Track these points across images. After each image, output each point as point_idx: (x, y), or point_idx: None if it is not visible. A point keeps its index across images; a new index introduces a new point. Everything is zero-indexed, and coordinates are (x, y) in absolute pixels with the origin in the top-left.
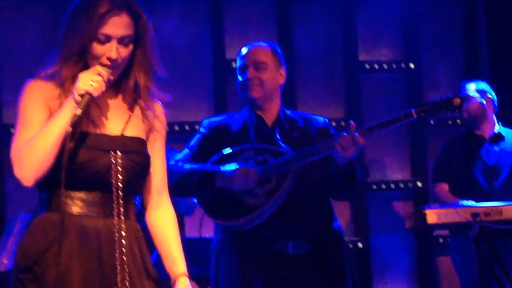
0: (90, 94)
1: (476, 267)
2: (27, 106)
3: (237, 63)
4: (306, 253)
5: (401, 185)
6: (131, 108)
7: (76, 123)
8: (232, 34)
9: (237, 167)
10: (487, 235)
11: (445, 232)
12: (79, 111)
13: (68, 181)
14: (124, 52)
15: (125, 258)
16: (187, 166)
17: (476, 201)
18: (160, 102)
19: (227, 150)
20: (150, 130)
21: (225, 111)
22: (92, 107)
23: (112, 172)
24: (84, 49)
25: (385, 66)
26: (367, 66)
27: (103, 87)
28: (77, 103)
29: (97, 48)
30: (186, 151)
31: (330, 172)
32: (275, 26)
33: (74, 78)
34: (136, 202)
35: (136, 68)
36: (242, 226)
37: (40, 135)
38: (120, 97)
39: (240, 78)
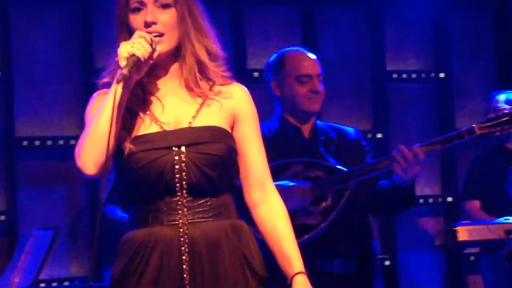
0: (135, 56)
1: (509, 287)
2: (90, 116)
3: (291, 68)
4: (351, 272)
5: (431, 200)
6: (201, 96)
7: (135, 125)
8: (254, 43)
9: (292, 184)
10: None
11: (477, 249)
12: (126, 71)
13: (141, 193)
14: (165, 16)
15: (190, 267)
16: None
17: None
18: (240, 84)
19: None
20: (232, 116)
21: None
22: (153, 104)
23: (176, 171)
24: (128, 32)
25: (414, 75)
26: (395, 75)
27: (148, 48)
28: (125, 72)
29: (134, 19)
30: None
31: (384, 191)
32: (300, 32)
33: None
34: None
35: (189, 46)
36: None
37: (95, 117)
38: (184, 84)
39: (300, 87)
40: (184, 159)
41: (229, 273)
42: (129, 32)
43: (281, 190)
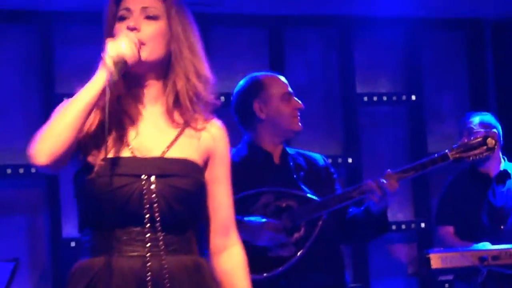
0: (125, 58)
1: None
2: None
3: (274, 88)
4: None
5: (403, 226)
6: (179, 126)
7: (108, 147)
8: (220, 65)
9: (263, 221)
10: (496, 281)
11: (451, 277)
12: (115, 74)
13: (101, 218)
14: (149, 27)
15: None
16: None
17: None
18: (219, 121)
19: (243, 193)
20: (207, 153)
21: None
22: (128, 126)
23: (145, 201)
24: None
25: (384, 98)
26: (365, 98)
27: (135, 51)
28: (110, 70)
29: (118, 27)
30: None
31: (356, 218)
32: (267, 55)
33: None
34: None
35: (179, 65)
36: (268, 279)
37: (64, 108)
38: (164, 109)
39: (285, 105)
40: (154, 190)
41: None
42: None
43: (253, 227)
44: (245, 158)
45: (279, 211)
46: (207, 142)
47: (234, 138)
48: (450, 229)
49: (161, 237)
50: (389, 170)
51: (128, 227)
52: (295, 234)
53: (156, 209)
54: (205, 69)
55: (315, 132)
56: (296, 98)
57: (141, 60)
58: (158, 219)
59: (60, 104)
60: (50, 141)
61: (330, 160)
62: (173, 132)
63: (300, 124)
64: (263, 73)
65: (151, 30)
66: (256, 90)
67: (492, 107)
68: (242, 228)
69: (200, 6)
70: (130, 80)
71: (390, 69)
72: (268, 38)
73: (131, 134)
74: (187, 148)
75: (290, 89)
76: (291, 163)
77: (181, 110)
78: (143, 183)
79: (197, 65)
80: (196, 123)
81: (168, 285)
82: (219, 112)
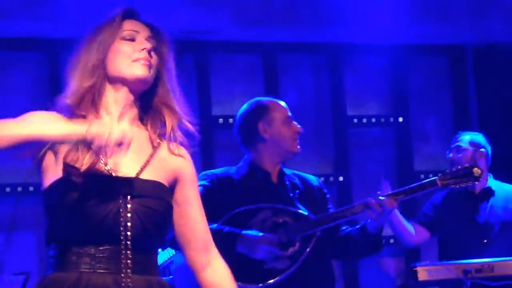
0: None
1: None
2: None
3: (277, 112)
4: None
5: (392, 241)
6: (154, 149)
7: (85, 163)
8: (218, 89)
9: (260, 235)
10: None
11: None
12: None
13: (74, 234)
14: (154, 55)
15: None
16: None
17: (468, 258)
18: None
19: (242, 208)
20: (175, 177)
21: (212, 165)
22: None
23: (121, 219)
24: (103, 56)
25: (373, 120)
26: (355, 120)
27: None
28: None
29: (124, 46)
30: None
31: (352, 236)
32: (262, 79)
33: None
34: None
35: (160, 101)
36: None
37: (25, 125)
38: (143, 134)
39: (288, 128)
40: (129, 210)
41: None
42: (103, 59)
43: (250, 240)
44: (245, 176)
45: (276, 226)
46: (175, 164)
47: (233, 156)
48: (422, 229)
49: (131, 256)
50: (379, 192)
51: (103, 244)
52: (290, 249)
53: (130, 229)
54: (183, 100)
55: (308, 152)
56: (295, 123)
57: (148, 80)
58: (130, 238)
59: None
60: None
61: (322, 179)
62: (146, 153)
63: (299, 146)
64: (265, 98)
65: (155, 57)
66: (261, 112)
67: (475, 129)
68: (240, 241)
69: (201, 34)
70: (112, 99)
71: (378, 92)
72: (263, 64)
73: (108, 151)
74: (158, 170)
75: (289, 113)
76: (288, 182)
77: (159, 135)
78: (120, 201)
79: (178, 94)
80: (165, 145)
81: None
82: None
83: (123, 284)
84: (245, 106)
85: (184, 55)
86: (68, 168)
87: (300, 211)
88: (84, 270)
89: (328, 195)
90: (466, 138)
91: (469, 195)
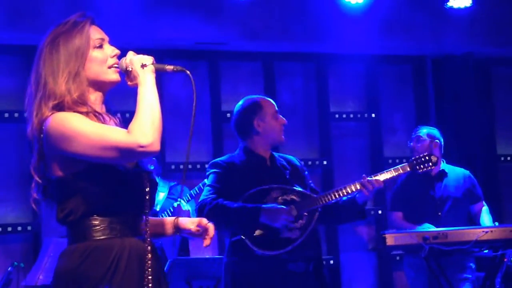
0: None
1: (426, 281)
2: (83, 121)
3: (267, 108)
4: (308, 270)
5: None
6: None
7: None
8: (227, 90)
9: (279, 206)
10: (435, 255)
11: (401, 252)
12: (170, 67)
13: (117, 207)
14: None
15: (150, 272)
16: (228, 203)
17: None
18: None
19: (254, 189)
20: None
21: (221, 152)
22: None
23: (145, 192)
24: (83, 64)
25: (351, 115)
26: (337, 116)
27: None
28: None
29: (98, 53)
30: (209, 188)
31: (342, 205)
32: (262, 83)
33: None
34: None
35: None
36: (282, 254)
37: (148, 106)
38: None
39: (276, 122)
40: (148, 183)
41: (163, 280)
42: (81, 66)
43: (271, 211)
44: (245, 161)
45: (286, 203)
46: None
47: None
48: (400, 214)
49: (148, 223)
50: (364, 175)
51: (136, 213)
52: (300, 221)
53: (151, 199)
54: None
55: (298, 141)
56: (281, 116)
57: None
58: (151, 207)
59: (78, 120)
60: (158, 131)
61: (309, 162)
62: None
63: (283, 136)
64: (257, 96)
65: None
66: (255, 109)
67: (432, 123)
68: (264, 213)
69: (213, 45)
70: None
71: (355, 93)
72: (263, 70)
73: None
74: None
75: (277, 108)
76: (279, 165)
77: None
78: (144, 176)
79: None
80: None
81: (155, 263)
82: (227, 125)
83: (147, 245)
84: (240, 103)
85: (199, 62)
86: None
87: (303, 190)
88: (123, 236)
89: (306, 172)
90: (424, 131)
91: (426, 176)
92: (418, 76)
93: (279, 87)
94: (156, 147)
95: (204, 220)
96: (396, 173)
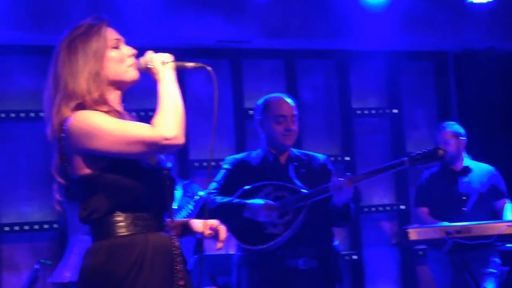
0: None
1: (450, 275)
2: (105, 118)
3: (272, 111)
4: (313, 268)
5: (388, 208)
6: None
7: None
8: (249, 87)
9: (262, 202)
10: (459, 249)
11: (424, 246)
12: (191, 64)
13: (136, 203)
14: None
15: (181, 271)
16: (218, 199)
17: (451, 222)
18: None
19: (250, 186)
20: None
21: (244, 149)
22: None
23: (166, 189)
24: (102, 64)
25: (373, 111)
26: (358, 112)
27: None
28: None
29: (116, 53)
30: (214, 184)
31: (329, 207)
32: (283, 80)
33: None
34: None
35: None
36: (264, 249)
37: (171, 101)
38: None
39: (277, 125)
40: (168, 182)
41: (188, 275)
42: (101, 66)
43: (254, 207)
44: (262, 158)
45: (277, 199)
46: None
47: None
48: (426, 209)
49: (166, 219)
50: (348, 174)
51: (158, 210)
52: (285, 217)
53: (170, 197)
54: None
55: (321, 137)
56: (289, 120)
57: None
58: (167, 204)
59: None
60: (182, 124)
61: (332, 159)
62: None
63: (290, 140)
64: (273, 95)
65: None
66: (261, 110)
67: (454, 119)
68: (247, 208)
69: (236, 43)
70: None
71: (377, 89)
72: (284, 67)
73: None
74: None
75: (288, 112)
76: (296, 163)
77: None
78: (164, 174)
79: None
80: None
81: (182, 259)
82: (250, 122)
83: (173, 240)
84: (258, 102)
85: (222, 60)
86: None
87: (296, 187)
88: (147, 231)
89: (332, 170)
90: (449, 131)
91: (450, 172)
92: (440, 72)
93: (301, 84)
94: (181, 140)
95: (215, 222)
96: (393, 169)
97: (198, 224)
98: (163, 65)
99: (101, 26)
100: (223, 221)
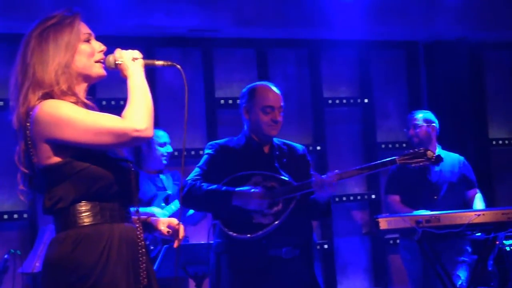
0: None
1: (421, 264)
2: (74, 107)
3: (259, 100)
4: (295, 257)
5: (358, 197)
6: None
7: None
8: (220, 77)
9: (253, 190)
10: (428, 238)
11: (395, 235)
12: (160, 62)
13: (103, 193)
14: None
15: (144, 259)
16: (205, 185)
17: (422, 210)
18: None
19: (238, 173)
20: None
21: (215, 138)
22: None
23: (132, 180)
24: (72, 56)
25: (344, 101)
26: (330, 101)
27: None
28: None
29: (87, 47)
30: (197, 170)
31: (310, 203)
32: (255, 69)
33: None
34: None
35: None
36: (251, 239)
37: (140, 89)
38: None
39: (264, 115)
40: (133, 173)
41: (151, 266)
42: (71, 58)
43: (244, 194)
44: (243, 146)
45: (265, 189)
46: None
47: (233, 131)
48: (396, 197)
49: (129, 209)
50: (337, 171)
51: (126, 202)
52: (275, 208)
53: (135, 187)
54: None
55: (293, 126)
56: (277, 111)
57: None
58: (137, 195)
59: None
60: (151, 118)
61: None
62: None
63: (275, 131)
64: (261, 83)
65: None
66: (247, 97)
67: (425, 108)
68: (236, 196)
69: (206, 33)
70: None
71: (348, 79)
72: (256, 56)
73: None
74: None
75: (276, 103)
76: (277, 152)
77: None
78: (131, 166)
79: None
80: None
81: (145, 250)
82: (221, 111)
83: (138, 232)
84: (244, 89)
85: (193, 50)
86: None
87: (284, 177)
88: (112, 221)
89: (310, 161)
90: (420, 116)
91: None
92: (411, 62)
93: (273, 74)
94: (150, 132)
95: (174, 221)
96: (383, 167)
97: (157, 222)
98: (132, 61)
99: (75, 19)
100: (210, 208)
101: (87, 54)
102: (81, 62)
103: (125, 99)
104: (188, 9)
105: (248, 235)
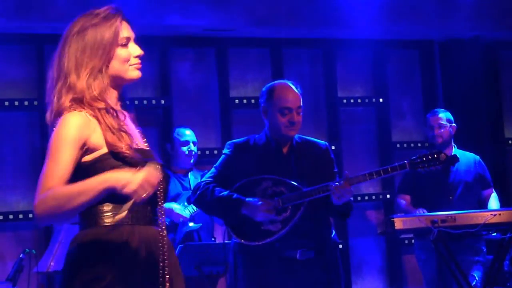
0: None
1: (436, 264)
2: (61, 144)
3: (277, 102)
4: (310, 258)
5: (373, 197)
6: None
7: (126, 139)
8: (235, 76)
9: (260, 203)
10: (444, 238)
11: (410, 235)
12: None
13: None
14: None
15: (167, 263)
16: (217, 191)
17: (437, 211)
18: None
19: (248, 178)
20: None
21: (230, 138)
22: (126, 124)
23: (161, 183)
24: (107, 61)
25: (359, 100)
26: (344, 101)
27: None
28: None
29: (124, 52)
30: (213, 170)
31: (328, 204)
32: (269, 69)
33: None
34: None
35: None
36: (261, 245)
37: (84, 192)
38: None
39: (281, 117)
40: (161, 175)
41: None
42: (106, 61)
43: (252, 206)
44: (263, 144)
45: (274, 194)
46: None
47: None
48: (408, 197)
49: (162, 213)
50: (346, 172)
51: (153, 204)
52: (283, 214)
53: (162, 191)
54: None
55: (307, 126)
56: (295, 112)
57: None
58: (162, 198)
59: (74, 133)
60: (57, 211)
61: None
62: (136, 128)
63: (293, 132)
64: (280, 82)
65: None
66: (266, 97)
67: (440, 107)
68: (245, 206)
69: (221, 32)
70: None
71: (363, 78)
72: (270, 56)
73: (129, 130)
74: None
75: (294, 104)
76: (297, 153)
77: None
78: (161, 168)
79: None
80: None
81: (168, 252)
82: (235, 111)
83: (160, 235)
84: (264, 88)
85: (207, 49)
86: (119, 143)
87: (293, 183)
88: (135, 223)
89: (333, 158)
90: (443, 115)
91: None
92: (426, 61)
93: (287, 73)
94: (38, 212)
95: None
96: (394, 172)
97: None
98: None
99: (116, 20)
100: (220, 214)
101: (122, 59)
102: (115, 67)
103: (144, 98)
104: (203, 9)
105: (256, 242)
